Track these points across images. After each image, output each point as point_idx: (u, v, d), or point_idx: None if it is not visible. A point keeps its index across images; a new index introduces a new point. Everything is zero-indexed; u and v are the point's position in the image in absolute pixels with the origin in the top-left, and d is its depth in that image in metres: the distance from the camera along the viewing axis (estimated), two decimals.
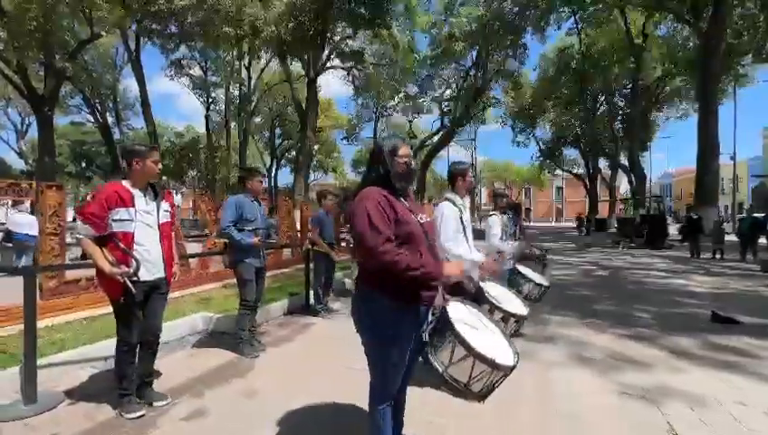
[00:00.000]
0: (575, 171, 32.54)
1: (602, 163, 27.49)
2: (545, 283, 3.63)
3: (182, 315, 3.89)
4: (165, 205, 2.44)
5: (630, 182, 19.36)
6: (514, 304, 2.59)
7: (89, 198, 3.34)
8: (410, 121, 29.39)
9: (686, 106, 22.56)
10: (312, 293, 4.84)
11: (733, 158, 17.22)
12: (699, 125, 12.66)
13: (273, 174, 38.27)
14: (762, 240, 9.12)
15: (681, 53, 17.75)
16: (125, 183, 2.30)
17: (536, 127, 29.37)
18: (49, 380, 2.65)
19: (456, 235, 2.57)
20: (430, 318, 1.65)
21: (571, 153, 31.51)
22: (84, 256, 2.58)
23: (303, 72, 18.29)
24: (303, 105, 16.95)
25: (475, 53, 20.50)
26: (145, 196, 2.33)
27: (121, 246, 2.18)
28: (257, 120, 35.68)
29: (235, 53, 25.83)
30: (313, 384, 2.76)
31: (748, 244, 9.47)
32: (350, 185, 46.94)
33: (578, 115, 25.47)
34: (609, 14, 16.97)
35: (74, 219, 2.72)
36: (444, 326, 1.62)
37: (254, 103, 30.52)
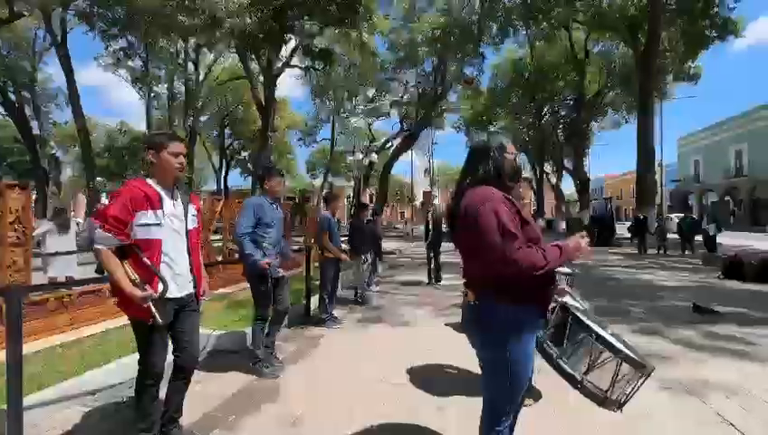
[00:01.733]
0: (524, 175, 34.67)
1: (548, 167, 29.56)
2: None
3: (206, 325, 3.39)
4: (192, 208, 2.07)
5: (577, 185, 20.99)
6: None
7: (104, 199, 2.71)
8: (370, 124, 29.34)
9: (618, 117, 25.06)
10: (311, 301, 4.53)
11: (660, 165, 19.39)
12: (638, 135, 14.07)
13: (222, 176, 36.11)
14: (698, 237, 10.34)
15: (617, 70, 19.69)
16: (150, 181, 1.90)
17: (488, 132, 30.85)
18: (30, 425, 2.12)
19: None
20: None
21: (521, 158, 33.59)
22: (101, 269, 2.10)
23: (259, 70, 17.41)
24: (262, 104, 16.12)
25: (435, 60, 20.94)
26: (172, 197, 1.95)
27: (146, 260, 1.79)
28: (205, 118, 33.42)
29: (182, 44, 23.98)
30: (356, 403, 2.52)
31: (687, 241, 10.74)
32: (305, 187, 45.73)
33: (526, 123, 27.18)
34: (556, 32, 18.26)
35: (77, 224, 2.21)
36: (576, 328, 1.52)
37: (202, 100, 28.54)
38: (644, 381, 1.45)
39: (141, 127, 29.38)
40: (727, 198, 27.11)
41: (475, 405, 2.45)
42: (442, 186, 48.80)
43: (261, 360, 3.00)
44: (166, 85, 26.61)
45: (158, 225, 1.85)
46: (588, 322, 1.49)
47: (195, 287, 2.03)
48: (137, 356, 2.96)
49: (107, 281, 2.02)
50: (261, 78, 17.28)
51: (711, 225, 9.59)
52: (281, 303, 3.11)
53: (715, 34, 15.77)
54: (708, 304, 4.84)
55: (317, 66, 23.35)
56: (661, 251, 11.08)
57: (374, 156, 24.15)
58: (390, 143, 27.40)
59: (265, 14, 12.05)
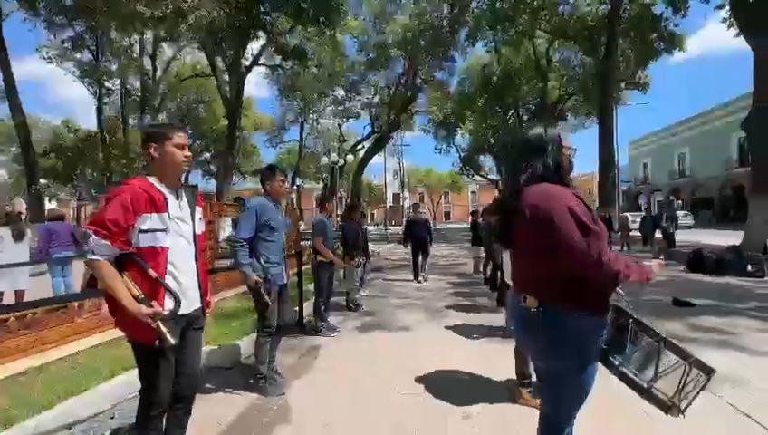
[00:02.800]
0: (489, 177, 35.75)
1: None
2: None
3: None
4: (198, 210, 1.83)
5: None
6: None
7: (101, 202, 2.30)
8: (340, 125, 29.01)
9: (576, 122, 26.49)
10: (303, 308, 4.29)
11: (616, 167, 20.69)
12: (600, 139, 14.89)
13: (183, 178, 34.14)
14: (657, 234, 11.12)
15: (577, 77, 20.81)
16: (151, 179, 1.65)
17: (455, 135, 31.56)
18: None
19: None
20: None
21: (485, 160, 34.54)
22: (92, 283, 1.78)
23: (225, 67, 16.64)
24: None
25: (406, 62, 21.07)
26: (177, 197, 1.71)
27: (151, 272, 1.54)
28: (163, 116, 31.52)
29: (137, 37, 22.44)
30: (379, 419, 2.36)
31: (646, 237, 11.54)
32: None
33: (491, 126, 28.05)
34: (520, 39, 18.97)
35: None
36: (639, 333, 1.46)
37: (160, 98, 26.90)
38: (706, 385, 1.42)
39: (90, 125, 27.15)
40: (672, 197, 29.49)
41: (499, 410, 2.41)
42: (411, 187, 49.26)
43: (265, 377, 2.75)
44: (119, 81, 24.73)
45: (163, 230, 1.60)
46: (653, 327, 1.44)
47: (202, 301, 1.79)
48: (115, 382, 2.67)
49: (87, 296, 1.74)
50: (227, 75, 16.53)
51: (669, 222, 10.33)
52: (282, 314, 2.88)
53: (662, 47, 17.06)
54: (683, 297, 5.12)
55: (286, 65, 22.79)
56: (625, 248, 11.80)
57: (350, 156, 23.87)
58: (361, 145, 27.22)
59: (234, 8, 11.51)
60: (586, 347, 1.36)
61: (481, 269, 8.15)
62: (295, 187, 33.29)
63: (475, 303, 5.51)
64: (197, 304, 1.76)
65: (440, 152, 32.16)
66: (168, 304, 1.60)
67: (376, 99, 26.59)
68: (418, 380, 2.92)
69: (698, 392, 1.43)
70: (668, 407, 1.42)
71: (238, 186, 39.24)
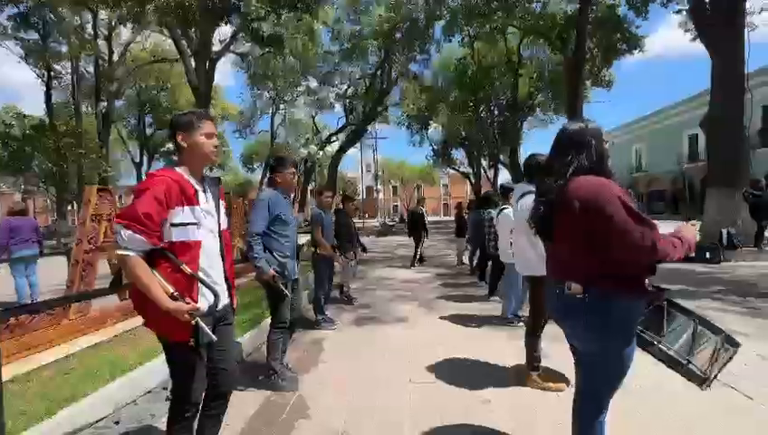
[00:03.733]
0: (461, 169, 36.46)
1: (484, 163, 31.46)
2: None
3: (146, 358, 2.89)
4: (221, 203, 1.75)
5: (513, 179, 22.65)
6: None
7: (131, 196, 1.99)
8: (313, 117, 28.45)
9: (545, 118, 27.51)
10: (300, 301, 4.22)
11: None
12: None
13: (144, 170, 32.35)
14: None
15: (547, 74, 21.54)
16: (180, 170, 1.56)
17: (429, 128, 31.86)
18: None
19: None
20: None
21: (458, 153, 35.14)
22: (118, 279, 1.66)
23: (191, 53, 15.76)
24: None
25: (381, 54, 20.92)
26: (204, 190, 1.63)
27: (185, 268, 1.46)
28: (120, 103, 29.50)
29: (91, 17, 20.78)
30: (398, 409, 2.39)
31: None
32: (243, 181, 42.87)
33: (463, 119, 28.53)
34: (494, 35, 19.34)
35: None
36: (675, 313, 1.57)
37: (117, 83, 25.08)
38: (732, 357, 1.55)
39: (37, 111, 24.91)
40: (630, 190, 31.41)
41: (515, 394, 2.51)
42: (385, 181, 49.33)
43: (277, 372, 2.70)
44: (69, 63, 22.78)
45: (195, 224, 1.52)
46: (686, 307, 1.55)
47: (230, 297, 1.73)
48: (115, 386, 2.52)
49: (89, 296, 1.61)
50: (193, 61, 15.66)
51: None
52: (294, 310, 2.82)
53: (625, 48, 17.99)
54: (653, 283, 5.51)
55: (257, 53, 22.00)
56: None
57: (329, 148, 23.50)
58: (335, 137, 26.84)
59: None
60: (629, 329, 1.45)
61: (464, 260, 8.35)
62: (267, 179, 32.40)
63: (465, 293, 5.65)
64: (226, 300, 1.70)
65: (414, 145, 32.42)
66: (203, 300, 1.53)
67: (350, 90, 26.28)
68: (429, 368, 2.97)
69: (725, 365, 1.55)
70: (703, 380, 1.53)
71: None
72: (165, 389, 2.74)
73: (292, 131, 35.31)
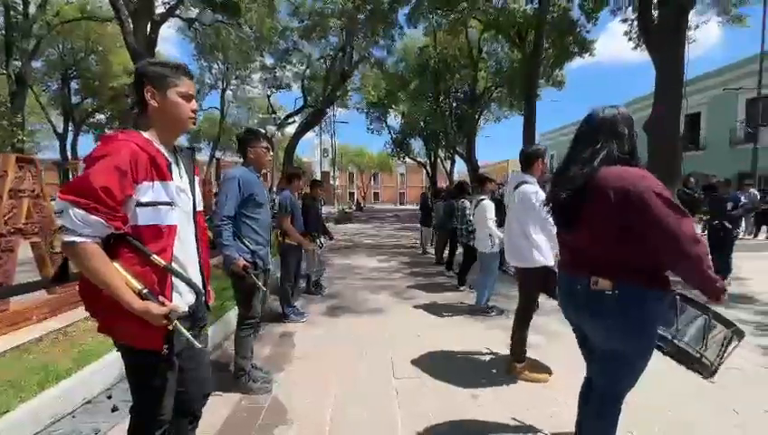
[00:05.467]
0: (418, 159, 36.86)
1: (441, 153, 32.02)
2: None
3: (93, 356, 2.48)
4: (197, 180, 1.44)
5: (470, 171, 23.31)
6: None
7: (80, 167, 1.44)
8: (269, 95, 26.94)
9: (500, 113, 28.54)
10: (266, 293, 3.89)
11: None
12: (524, 129, 16.23)
13: (69, 142, 28.71)
14: None
15: (504, 70, 22.22)
16: (147, 135, 1.23)
17: (388, 116, 31.66)
18: None
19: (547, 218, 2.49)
20: None
21: (416, 143, 35.40)
22: (62, 272, 1.27)
23: (128, 13, 13.92)
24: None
25: (343, 35, 20.15)
26: (176, 162, 1.31)
27: (156, 259, 1.16)
28: (38, 64, 25.62)
29: None
30: (385, 408, 2.24)
31: None
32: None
33: (423, 109, 28.73)
34: (456, 27, 19.48)
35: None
36: (688, 308, 1.55)
37: (34, 41, 21.68)
38: (735, 348, 1.57)
39: None
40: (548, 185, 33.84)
41: (503, 388, 2.45)
42: (343, 167, 48.45)
43: (248, 373, 2.41)
44: None
45: (169, 204, 1.21)
46: (700, 301, 1.54)
47: (204, 292, 1.43)
48: (49, 396, 2.09)
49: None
50: (131, 23, 13.87)
51: None
52: (264, 303, 2.54)
53: (576, 50, 19.02)
54: None
55: (206, 20, 20.18)
56: None
57: (287, 130, 22.37)
58: (293, 119, 25.66)
59: None
60: (655, 325, 1.40)
61: (428, 248, 8.38)
62: (215, 160, 30.24)
63: (434, 282, 5.62)
64: (202, 296, 1.40)
65: (372, 132, 32.09)
66: (178, 298, 1.24)
67: (309, 71, 25.15)
68: (412, 363, 2.85)
69: (729, 355, 1.57)
70: (712, 371, 1.54)
71: None
72: (109, 398, 2.35)
73: (245, 110, 33.25)
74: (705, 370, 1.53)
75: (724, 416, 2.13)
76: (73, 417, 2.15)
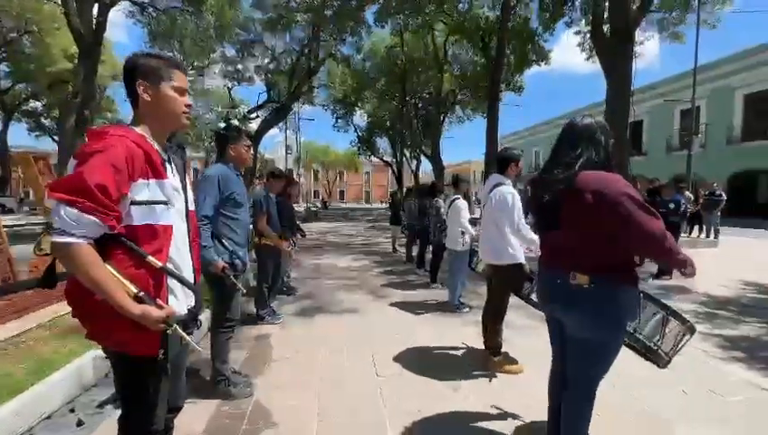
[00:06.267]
0: (385, 158, 37.06)
1: (408, 153, 32.40)
2: None
3: (50, 366, 2.30)
4: (188, 178, 1.40)
5: (435, 170, 23.79)
6: None
7: (70, 164, 1.07)
8: (229, 88, 25.87)
9: (464, 115, 29.36)
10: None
11: (494, 154, 23.80)
12: (487, 132, 16.86)
13: None
14: None
15: (469, 74, 22.89)
16: (140, 130, 1.17)
17: (355, 114, 31.55)
18: None
19: (521, 219, 2.63)
20: None
21: (382, 142, 35.57)
22: (49, 275, 1.15)
23: None
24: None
25: (310, 30, 19.79)
26: (169, 159, 1.27)
27: (152, 260, 1.11)
28: None
29: None
30: (372, 406, 2.27)
31: None
32: None
33: (389, 109, 28.96)
34: (425, 28, 19.83)
35: None
36: (649, 304, 1.71)
37: None
38: (687, 341, 1.76)
39: None
40: (527, 187, 35.66)
41: (482, 380, 2.57)
42: (308, 165, 47.55)
43: (227, 378, 2.34)
44: None
45: (164, 203, 1.17)
46: (659, 299, 1.71)
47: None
48: (4, 411, 1.90)
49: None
50: (75, 3, 12.73)
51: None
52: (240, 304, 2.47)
53: (534, 58, 20.02)
54: None
55: (162, 5, 19.08)
56: None
57: (251, 126, 21.54)
58: (256, 114, 24.80)
59: None
60: (627, 317, 1.54)
61: (398, 248, 8.49)
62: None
63: (406, 280, 5.71)
64: (194, 300, 1.35)
65: (338, 130, 31.84)
66: (174, 301, 1.19)
67: (273, 65, 24.42)
68: (394, 359, 2.90)
69: (682, 347, 1.76)
70: (666, 362, 1.71)
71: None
72: (71, 411, 2.18)
73: (203, 103, 31.67)
74: (661, 360, 1.71)
75: (675, 397, 2.38)
76: (49, 422, 1.99)
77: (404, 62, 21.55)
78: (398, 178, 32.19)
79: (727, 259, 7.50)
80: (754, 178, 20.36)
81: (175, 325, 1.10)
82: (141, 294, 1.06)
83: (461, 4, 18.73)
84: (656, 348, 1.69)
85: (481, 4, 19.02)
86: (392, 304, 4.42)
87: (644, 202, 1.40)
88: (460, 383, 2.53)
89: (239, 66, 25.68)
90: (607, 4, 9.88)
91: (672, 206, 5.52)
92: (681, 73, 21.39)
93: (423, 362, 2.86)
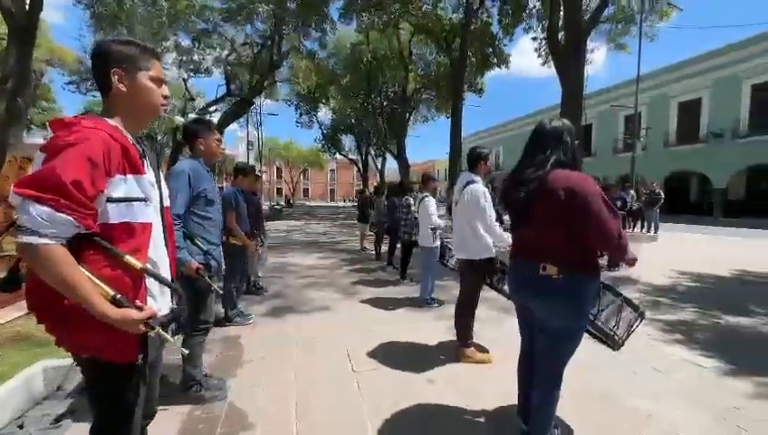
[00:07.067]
0: (350, 156, 36.87)
1: (373, 150, 32.45)
2: None
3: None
4: (161, 172, 1.35)
5: (400, 169, 24.04)
6: None
7: (37, 157, 0.97)
8: (185, 80, 24.50)
9: (427, 114, 29.88)
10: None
11: (459, 155, 24.45)
12: (451, 131, 17.31)
13: None
14: None
15: (433, 74, 23.32)
16: (114, 122, 1.11)
17: (319, 111, 31.10)
18: None
19: (492, 216, 2.75)
20: None
21: (347, 139, 35.33)
22: (11, 277, 1.04)
23: None
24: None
25: (273, 22, 19.19)
26: (144, 152, 1.22)
27: (130, 260, 1.06)
28: None
29: None
30: (352, 403, 2.30)
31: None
32: None
33: (354, 106, 28.85)
34: (390, 26, 19.93)
35: None
36: (607, 293, 1.88)
37: None
38: (638, 326, 1.94)
39: None
40: (489, 184, 37.11)
41: (455, 372, 2.68)
42: (269, 161, 46.09)
43: (200, 383, 2.25)
44: None
45: (143, 200, 1.12)
46: (614, 287, 1.88)
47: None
48: None
49: None
50: None
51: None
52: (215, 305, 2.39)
53: (495, 61, 20.78)
54: None
55: None
56: None
57: (212, 119, 20.44)
58: (215, 108, 23.69)
59: None
60: (590, 305, 1.68)
61: (366, 245, 8.51)
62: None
63: (376, 278, 5.75)
64: (170, 302, 1.30)
65: (302, 126, 31.24)
66: (153, 303, 1.14)
67: (233, 57, 23.41)
68: (368, 355, 2.93)
69: (634, 331, 1.95)
70: (620, 345, 1.89)
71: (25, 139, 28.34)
72: (20, 427, 2.01)
73: None
74: (615, 344, 1.88)
75: (626, 377, 2.61)
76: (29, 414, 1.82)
77: (369, 60, 21.51)
78: (364, 176, 32.19)
79: (666, 252, 8.27)
80: (687, 179, 22.56)
81: (157, 328, 1.06)
82: (119, 296, 1.01)
83: (425, 6, 19.02)
84: (612, 333, 1.85)
85: (445, 6, 19.42)
86: (363, 301, 4.44)
87: (608, 202, 1.54)
88: (435, 376, 2.61)
89: (195, 56, 24.35)
90: (561, 14, 10.47)
91: (619, 204, 6.00)
92: (625, 81, 23.18)
93: (398, 356, 2.92)
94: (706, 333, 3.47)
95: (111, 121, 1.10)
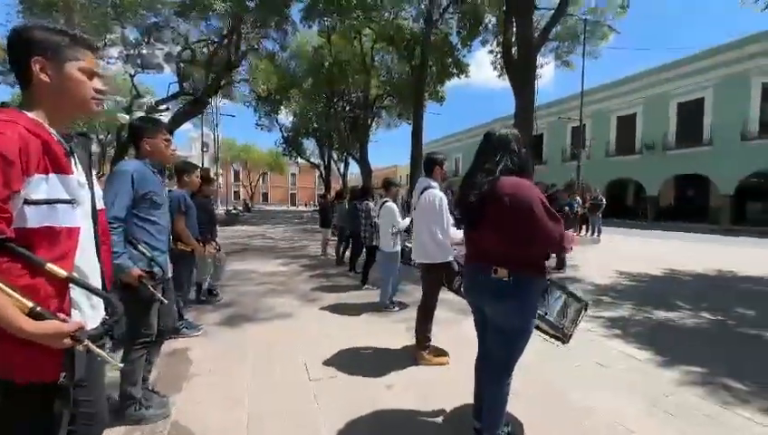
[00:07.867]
0: (312, 160, 36.34)
1: (336, 155, 32.22)
2: None
3: None
4: (94, 172, 1.26)
5: (363, 174, 24.05)
6: None
7: None
8: (132, 75, 22.97)
9: (390, 121, 30.21)
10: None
11: (419, 159, 24.91)
12: (412, 137, 17.62)
13: None
14: None
15: (395, 80, 23.67)
16: (35, 115, 1.01)
17: (279, 113, 30.39)
18: None
19: (449, 220, 2.81)
20: None
21: (309, 143, 34.80)
22: None
23: None
24: None
25: (230, 20, 18.53)
26: (71, 150, 1.12)
27: (53, 268, 0.97)
28: None
29: None
30: (307, 411, 2.24)
31: None
32: None
33: (316, 110, 28.55)
34: (352, 32, 20.01)
35: None
36: (554, 288, 1.98)
37: None
38: (583, 318, 2.07)
39: None
40: (449, 189, 38.21)
41: (413, 376, 2.71)
42: (226, 164, 44.20)
43: (139, 401, 2.08)
44: None
45: (70, 202, 1.02)
46: (559, 283, 1.99)
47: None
48: None
49: None
50: None
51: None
52: (168, 316, 2.24)
53: (454, 71, 21.51)
54: None
55: None
56: None
57: (164, 118, 19.21)
58: (166, 106, 22.35)
59: None
60: (534, 306, 1.76)
61: (327, 250, 8.39)
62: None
63: (337, 283, 5.67)
64: (103, 313, 1.20)
65: (262, 129, 30.39)
66: (78, 314, 1.04)
67: (186, 54, 22.28)
68: (326, 363, 2.87)
69: (578, 324, 2.07)
70: (569, 337, 1.99)
71: None
72: None
73: None
74: (565, 336, 1.99)
75: (570, 370, 2.77)
76: None
77: (331, 64, 21.40)
78: (326, 181, 31.83)
79: (608, 254, 8.94)
80: (625, 186, 24.65)
81: (87, 341, 0.96)
82: (38, 308, 0.90)
83: (387, 14, 19.30)
84: (561, 327, 1.95)
85: (406, 15, 19.83)
86: (323, 308, 4.36)
87: (549, 207, 1.63)
88: (392, 380, 2.61)
89: (143, 51, 22.87)
90: (514, 29, 11.07)
91: (567, 209, 6.41)
92: (572, 95, 24.95)
93: (356, 362, 2.89)
94: (640, 327, 3.78)
95: (31, 115, 1.00)
